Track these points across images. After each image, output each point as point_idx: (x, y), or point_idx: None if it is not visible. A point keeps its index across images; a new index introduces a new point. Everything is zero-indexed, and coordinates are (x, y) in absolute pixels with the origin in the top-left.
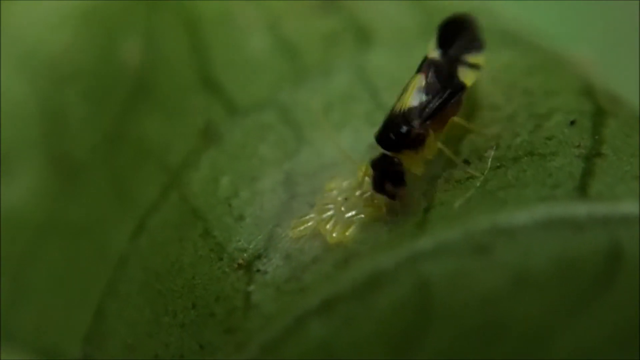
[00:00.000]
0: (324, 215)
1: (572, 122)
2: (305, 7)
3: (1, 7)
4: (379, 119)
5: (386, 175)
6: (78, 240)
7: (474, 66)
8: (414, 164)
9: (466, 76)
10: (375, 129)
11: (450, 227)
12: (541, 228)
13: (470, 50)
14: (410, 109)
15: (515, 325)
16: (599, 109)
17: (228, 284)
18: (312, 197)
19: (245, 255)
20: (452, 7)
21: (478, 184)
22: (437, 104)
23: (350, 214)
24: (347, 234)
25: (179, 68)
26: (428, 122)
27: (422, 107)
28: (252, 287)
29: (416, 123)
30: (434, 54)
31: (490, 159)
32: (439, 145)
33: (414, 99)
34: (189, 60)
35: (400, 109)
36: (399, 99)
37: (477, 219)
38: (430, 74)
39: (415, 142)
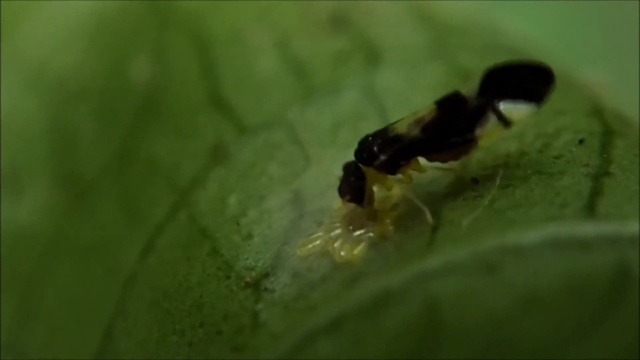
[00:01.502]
0: (332, 234)
1: (581, 141)
2: (314, 26)
3: (10, 24)
4: None
5: (348, 183)
6: (87, 259)
7: (503, 120)
8: (378, 184)
9: (488, 131)
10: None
11: (458, 246)
12: (549, 247)
13: (516, 98)
14: (400, 136)
15: (523, 345)
16: (607, 129)
17: (236, 302)
18: (321, 215)
19: (253, 273)
20: (463, 25)
21: (486, 203)
22: (431, 142)
23: (358, 233)
24: (355, 252)
25: (189, 87)
26: (410, 154)
27: (413, 140)
28: (260, 306)
29: (393, 151)
30: (468, 91)
31: (498, 178)
32: (403, 187)
33: (411, 127)
34: (199, 79)
35: (393, 129)
36: (402, 118)
37: (485, 238)
38: (446, 110)
39: (384, 168)
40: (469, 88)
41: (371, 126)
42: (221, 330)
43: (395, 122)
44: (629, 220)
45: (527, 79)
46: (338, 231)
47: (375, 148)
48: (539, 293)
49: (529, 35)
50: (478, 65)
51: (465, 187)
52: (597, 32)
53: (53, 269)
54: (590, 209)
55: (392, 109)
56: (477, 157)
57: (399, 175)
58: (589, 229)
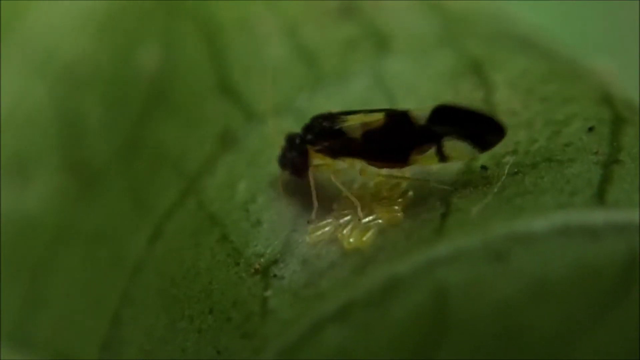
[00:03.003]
0: (341, 221)
1: (590, 129)
2: (323, 14)
3: (19, 12)
4: None
5: (291, 156)
6: (95, 246)
7: (441, 156)
8: (319, 163)
9: (424, 157)
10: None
11: (467, 233)
12: (559, 235)
13: (461, 138)
14: (342, 131)
15: (532, 333)
16: (617, 117)
17: (245, 289)
18: (330, 202)
19: (262, 260)
20: (471, 12)
21: (495, 190)
22: (367, 152)
23: (367, 220)
24: (364, 239)
25: (197, 74)
26: (343, 153)
27: (352, 141)
28: (269, 293)
29: (329, 144)
30: (419, 114)
31: (508, 166)
32: (332, 177)
33: (356, 128)
34: (207, 66)
35: (342, 120)
36: (356, 112)
37: (495, 225)
38: (390, 127)
39: (321, 152)
40: (422, 112)
41: None
42: (230, 317)
43: (349, 113)
44: (639, 208)
45: (481, 126)
46: (347, 218)
47: (319, 132)
48: (548, 281)
49: (538, 22)
50: (486, 53)
51: (475, 174)
52: (606, 19)
53: (60, 256)
54: (599, 197)
55: (401, 96)
56: None
57: (340, 162)
58: (598, 216)
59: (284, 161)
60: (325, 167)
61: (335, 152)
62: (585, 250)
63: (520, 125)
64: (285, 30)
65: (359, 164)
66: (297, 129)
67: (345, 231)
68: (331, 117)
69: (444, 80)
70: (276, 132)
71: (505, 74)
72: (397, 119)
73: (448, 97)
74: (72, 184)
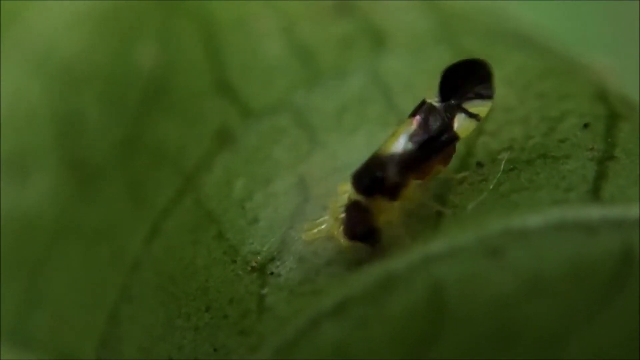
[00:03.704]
0: (338, 218)
1: (586, 125)
2: (320, 11)
3: (16, 10)
4: (393, 123)
5: (356, 224)
6: (93, 243)
7: (473, 116)
8: (388, 211)
9: (463, 126)
10: (390, 131)
11: (463, 230)
12: (554, 231)
13: (474, 98)
14: (392, 155)
15: (528, 329)
16: (612, 113)
17: (242, 286)
18: (326, 199)
19: (258, 257)
20: (467, 9)
21: (491, 187)
22: (422, 153)
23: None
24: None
25: (194, 71)
26: (408, 171)
27: (405, 154)
28: (265, 290)
29: (393, 171)
30: (433, 98)
31: (503, 162)
32: (420, 196)
33: (398, 144)
34: (204, 64)
35: (383, 153)
36: (385, 141)
37: (490, 222)
38: (423, 120)
39: (390, 190)
40: (433, 94)
41: (377, 110)
42: (227, 315)
43: (379, 149)
44: (634, 203)
45: (472, 79)
46: (344, 215)
47: (375, 173)
48: (543, 277)
49: (534, 19)
50: (483, 49)
51: (471, 171)
52: (601, 16)
53: (59, 254)
54: (595, 193)
55: (398, 93)
56: (482, 141)
57: (399, 203)
58: (593, 212)
59: (351, 231)
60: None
61: (396, 182)
62: (581, 246)
63: (516, 122)
64: (282, 28)
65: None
66: (293, 127)
67: (341, 228)
68: (369, 160)
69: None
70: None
71: (501, 70)
72: (422, 111)
73: None
74: (70, 182)
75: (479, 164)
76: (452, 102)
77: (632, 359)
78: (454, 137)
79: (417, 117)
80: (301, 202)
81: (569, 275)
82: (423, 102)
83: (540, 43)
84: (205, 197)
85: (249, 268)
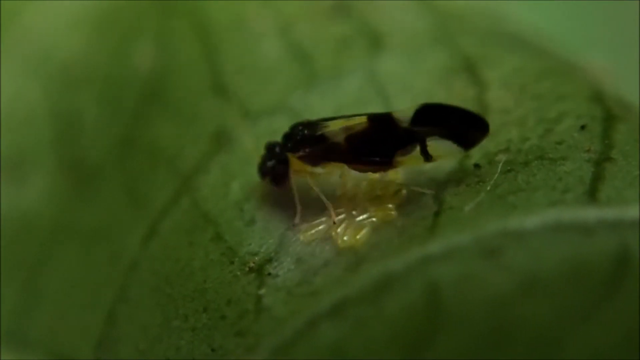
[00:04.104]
0: (335, 219)
1: (583, 127)
2: (317, 11)
3: (14, 11)
4: None
5: (271, 165)
6: (90, 244)
7: (426, 155)
8: (301, 172)
9: (409, 158)
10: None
11: (460, 231)
12: (551, 232)
13: (445, 137)
14: (325, 136)
15: (524, 329)
16: (609, 114)
17: (239, 287)
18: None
19: (256, 259)
20: (465, 10)
21: (488, 188)
22: (352, 155)
23: (361, 218)
24: (358, 237)
25: (191, 73)
26: (335, 157)
27: (335, 145)
28: (263, 291)
29: (312, 150)
30: (402, 116)
31: (500, 163)
32: (310, 182)
33: (339, 132)
34: (201, 65)
35: (323, 126)
36: (337, 118)
37: (487, 223)
38: (374, 129)
39: (303, 159)
40: (405, 113)
41: (374, 111)
42: (224, 315)
43: (329, 120)
44: (630, 205)
45: (463, 124)
46: (341, 216)
47: (300, 139)
48: (540, 277)
49: (531, 20)
50: (480, 50)
51: (468, 172)
52: (598, 17)
53: (56, 254)
54: (591, 194)
55: (395, 94)
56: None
57: (320, 168)
58: (590, 214)
59: (264, 170)
60: (305, 174)
61: (316, 159)
62: (577, 246)
63: (513, 123)
64: (279, 29)
65: (339, 169)
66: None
67: (339, 229)
68: (311, 124)
69: (437, 78)
70: (253, 145)
71: (498, 71)
72: (380, 121)
73: (441, 95)
74: (68, 182)
75: (476, 166)
76: (418, 130)
77: (629, 359)
78: (389, 162)
79: (372, 121)
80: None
81: (565, 275)
82: (388, 113)
83: (537, 44)
84: (203, 198)
85: (247, 269)
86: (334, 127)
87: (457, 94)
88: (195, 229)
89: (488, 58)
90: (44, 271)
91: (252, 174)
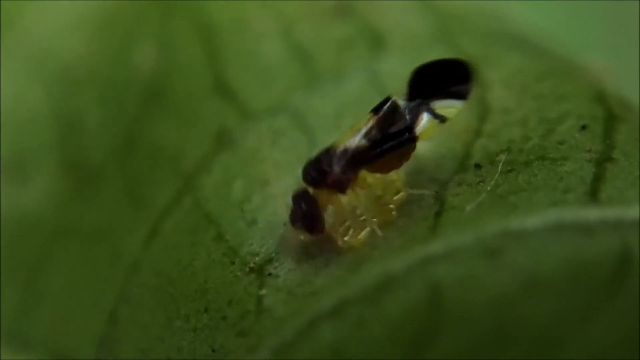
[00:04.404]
0: (336, 219)
1: (584, 127)
2: (318, 12)
3: (15, 11)
4: None
5: (302, 211)
6: (92, 244)
7: (438, 117)
8: (335, 203)
9: (426, 127)
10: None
11: (461, 231)
12: (552, 232)
13: (445, 97)
14: (345, 149)
15: (525, 329)
16: (610, 114)
17: (240, 287)
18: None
19: (257, 259)
20: (466, 10)
21: (489, 188)
22: (376, 150)
23: (362, 218)
24: (358, 237)
25: (193, 73)
26: (358, 166)
27: (358, 150)
28: (264, 291)
29: (340, 164)
30: (399, 96)
31: (501, 163)
32: (370, 192)
33: (353, 139)
34: (203, 65)
35: (336, 146)
36: (342, 134)
37: (488, 223)
38: (382, 117)
39: (336, 183)
40: (400, 92)
41: None
42: (226, 316)
43: (335, 142)
44: (631, 205)
45: (450, 78)
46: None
47: (324, 165)
48: (541, 277)
49: (532, 20)
50: (481, 50)
51: (469, 172)
52: (599, 17)
53: (57, 254)
54: (592, 195)
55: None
56: (480, 143)
57: (347, 196)
58: (591, 214)
59: (296, 218)
60: (335, 203)
61: (345, 177)
62: (578, 246)
63: (514, 123)
64: (280, 29)
65: (366, 185)
66: (292, 128)
67: (340, 229)
68: (322, 152)
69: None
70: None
71: (499, 72)
72: (385, 108)
73: None
74: (69, 183)
75: (477, 166)
76: (420, 101)
77: (629, 359)
78: (413, 138)
79: (377, 114)
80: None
81: (566, 276)
82: (387, 99)
83: (538, 44)
84: (204, 198)
85: (248, 269)
86: (344, 141)
87: None
88: (196, 229)
89: (489, 58)
90: (45, 271)
91: (254, 174)
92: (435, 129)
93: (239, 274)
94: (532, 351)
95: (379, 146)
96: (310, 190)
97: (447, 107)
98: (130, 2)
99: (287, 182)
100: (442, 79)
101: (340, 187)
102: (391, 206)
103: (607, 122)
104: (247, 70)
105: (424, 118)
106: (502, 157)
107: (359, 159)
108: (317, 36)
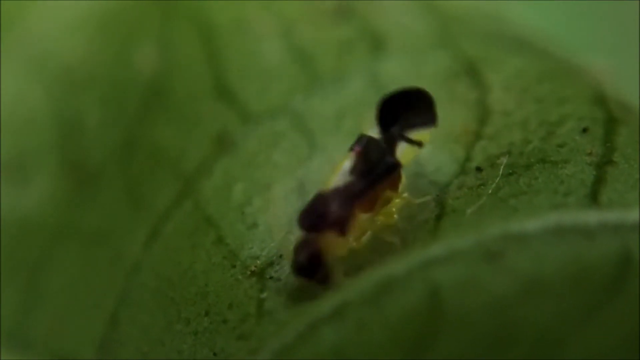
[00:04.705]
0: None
1: (584, 130)
2: (319, 14)
3: (16, 13)
4: None
5: (304, 262)
6: (92, 247)
7: (415, 143)
8: (338, 246)
9: (405, 153)
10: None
11: (461, 234)
12: (552, 235)
13: (414, 126)
14: (335, 190)
15: (526, 332)
16: (610, 117)
17: (241, 291)
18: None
19: (258, 262)
20: (466, 12)
21: (490, 191)
22: (365, 184)
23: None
24: (360, 240)
25: (193, 75)
26: (353, 203)
27: (348, 187)
28: (264, 294)
29: (336, 205)
30: (371, 130)
31: (502, 166)
32: (370, 227)
33: (340, 178)
34: (203, 68)
35: (326, 189)
36: (327, 177)
37: (489, 226)
38: (362, 151)
39: (336, 224)
40: (370, 127)
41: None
42: (226, 319)
43: (321, 188)
44: (632, 208)
45: (414, 107)
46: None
47: (319, 208)
48: (541, 280)
49: (533, 22)
50: (482, 53)
51: (469, 175)
52: (599, 19)
53: (58, 256)
54: (593, 197)
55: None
56: (481, 146)
57: (350, 238)
58: (592, 217)
59: (300, 268)
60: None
61: (344, 216)
62: (579, 249)
63: (515, 126)
64: (280, 31)
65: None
66: (292, 130)
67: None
68: (313, 199)
69: (439, 81)
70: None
71: (500, 74)
72: (362, 142)
73: (443, 97)
74: (70, 184)
75: (478, 169)
76: (393, 131)
77: None
78: (396, 165)
79: (357, 149)
80: (300, 206)
81: (567, 279)
82: (361, 135)
83: (539, 46)
84: (205, 201)
85: (248, 272)
86: (329, 184)
87: (459, 97)
88: (197, 232)
89: (490, 60)
90: (45, 272)
91: (254, 177)
92: (415, 152)
93: (239, 277)
94: (532, 354)
95: (367, 177)
96: (311, 237)
97: (419, 132)
98: (130, 3)
99: (287, 185)
100: (406, 108)
101: (341, 227)
102: (392, 209)
103: (608, 124)
104: (248, 71)
105: (402, 146)
106: (503, 160)
107: (352, 194)
108: (317, 37)
